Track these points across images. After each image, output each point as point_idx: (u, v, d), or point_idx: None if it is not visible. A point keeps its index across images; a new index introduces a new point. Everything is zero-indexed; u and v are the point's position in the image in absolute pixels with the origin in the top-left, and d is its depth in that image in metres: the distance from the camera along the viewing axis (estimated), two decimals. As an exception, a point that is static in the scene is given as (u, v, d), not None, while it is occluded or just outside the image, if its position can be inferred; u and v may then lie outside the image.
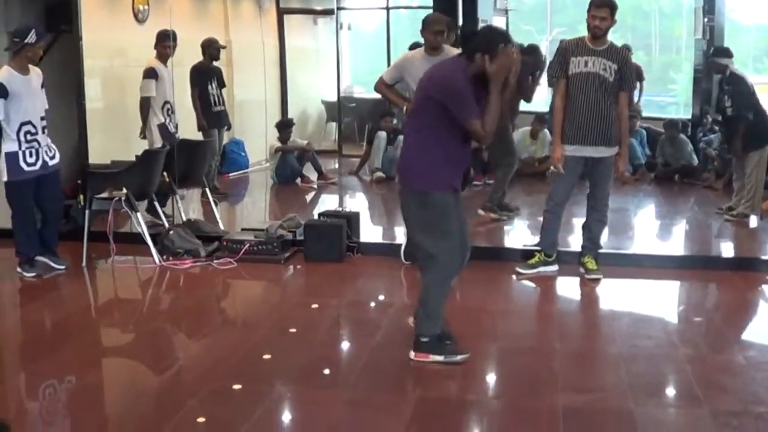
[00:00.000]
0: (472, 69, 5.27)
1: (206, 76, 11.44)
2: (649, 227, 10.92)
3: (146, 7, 11.64)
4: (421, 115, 5.46)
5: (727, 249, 9.81)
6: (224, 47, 11.49)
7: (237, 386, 5.22)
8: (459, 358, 5.60)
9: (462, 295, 7.37)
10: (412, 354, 5.61)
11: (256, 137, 14.43)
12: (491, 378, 5.67)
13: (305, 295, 7.50)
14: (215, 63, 11.63)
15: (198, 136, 11.11)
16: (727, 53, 10.23)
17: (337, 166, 14.91)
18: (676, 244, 10.15)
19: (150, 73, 9.65)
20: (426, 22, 7.57)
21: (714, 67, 10.43)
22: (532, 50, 10.89)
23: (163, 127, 9.67)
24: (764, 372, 5.67)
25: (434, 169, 5.42)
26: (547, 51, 18.60)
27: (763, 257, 8.65)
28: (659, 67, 25.12)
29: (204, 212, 10.33)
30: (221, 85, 11.71)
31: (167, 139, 9.59)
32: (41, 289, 7.62)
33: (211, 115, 11.32)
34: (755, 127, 10.00)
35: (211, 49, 11.44)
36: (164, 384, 5.52)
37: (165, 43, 9.76)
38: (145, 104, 9.71)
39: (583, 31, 7.52)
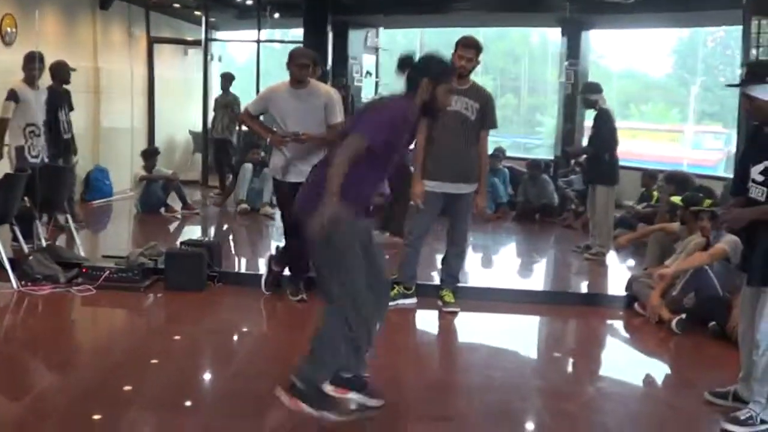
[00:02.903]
0: (420, 97, 5.03)
1: (56, 102, 10.64)
2: (510, 263, 11.17)
3: (14, 30, 11.49)
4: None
5: (582, 285, 10.07)
6: (74, 70, 11.01)
7: (97, 416, 5.14)
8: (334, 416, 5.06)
9: (315, 325, 7.42)
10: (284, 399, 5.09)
11: (121, 165, 14.31)
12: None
13: (165, 323, 7.46)
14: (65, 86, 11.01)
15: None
16: (597, 89, 10.63)
17: (201, 197, 14.86)
18: (534, 280, 10.38)
19: (9, 95, 9.41)
20: (292, 56, 7.63)
21: (584, 103, 10.78)
22: None
23: (19, 150, 9.43)
24: (613, 402, 5.90)
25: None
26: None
27: (615, 294, 8.89)
28: (527, 110, 25.66)
29: (67, 239, 10.18)
30: (70, 109, 11.12)
31: (22, 162, 9.35)
32: None
33: (62, 142, 10.73)
34: (608, 165, 10.40)
35: (61, 72, 10.81)
36: (21, 413, 5.35)
37: (31, 65, 9.54)
38: (1, 126, 9.51)
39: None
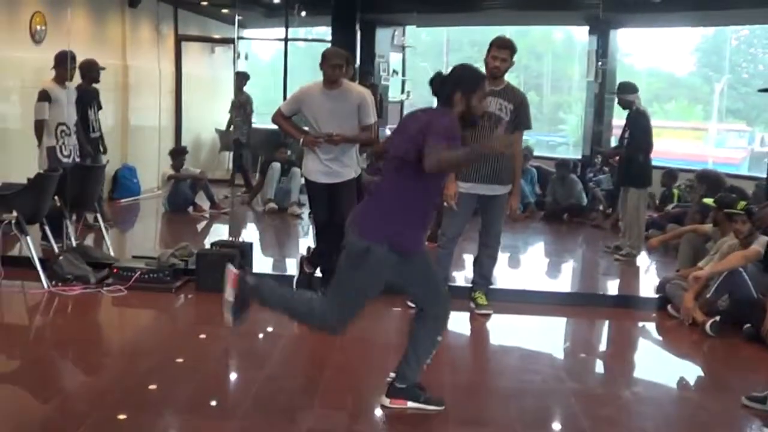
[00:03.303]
0: (456, 110, 5.10)
1: (86, 100, 10.63)
2: (539, 264, 11.12)
3: (43, 27, 11.50)
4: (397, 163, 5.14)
5: (614, 287, 9.99)
6: (104, 69, 11.01)
7: (122, 416, 5.14)
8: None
9: (354, 328, 7.38)
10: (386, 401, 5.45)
11: (148, 164, 14.33)
12: (381, 411, 5.69)
13: (197, 324, 7.42)
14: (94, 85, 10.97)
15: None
16: (633, 89, 10.53)
17: (227, 196, 14.85)
18: (565, 281, 10.34)
19: (42, 96, 9.37)
20: (325, 56, 7.59)
21: (621, 103, 10.66)
22: None
23: (51, 150, 9.41)
24: (650, 406, 5.85)
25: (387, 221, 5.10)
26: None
27: (646, 295, 8.85)
28: (550, 108, 25.60)
29: (95, 238, 10.19)
30: (99, 107, 11.12)
31: (54, 162, 9.34)
32: None
33: (90, 141, 10.67)
34: (642, 167, 10.32)
35: (91, 70, 10.79)
36: (49, 413, 5.36)
37: (63, 65, 9.51)
38: (39, 127, 9.50)
39: (478, 70, 7.64)
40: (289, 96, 8.28)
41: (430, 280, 5.42)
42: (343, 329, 5.37)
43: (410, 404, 5.41)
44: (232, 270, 5.40)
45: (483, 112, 5.33)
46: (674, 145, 21.90)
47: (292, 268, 9.02)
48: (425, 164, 4.75)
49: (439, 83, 5.19)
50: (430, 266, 5.45)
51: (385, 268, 5.10)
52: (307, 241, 10.83)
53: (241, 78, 15.08)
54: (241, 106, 14.84)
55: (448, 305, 5.52)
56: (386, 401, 5.44)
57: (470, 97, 5.09)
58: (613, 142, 14.34)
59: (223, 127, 16.59)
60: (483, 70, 7.50)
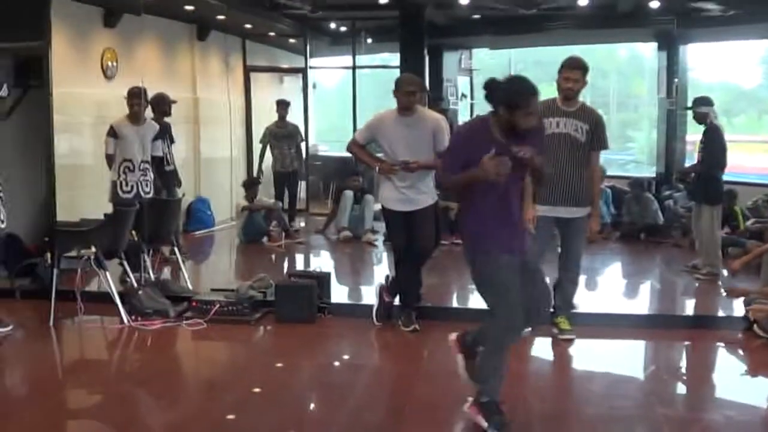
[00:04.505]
0: (501, 121, 5.21)
1: (159, 135, 10.46)
2: (617, 286, 10.95)
3: (115, 63, 11.61)
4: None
5: (697, 307, 9.79)
6: (175, 102, 11.12)
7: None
8: None
9: (433, 356, 7.37)
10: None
11: (221, 195, 14.41)
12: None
13: (277, 356, 7.33)
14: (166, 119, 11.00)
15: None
16: (708, 102, 10.35)
17: (303, 224, 14.85)
18: (643, 303, 10.15)
19: (109, 131, 9.58)
20: (398, 83, 7.59)
21: (696, 117, 10.50)
22: None
23: (113, 185, 9.59)
24: (743, 431, 5.68)
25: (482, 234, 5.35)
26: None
27: (730, 314, 8.68)
28: (617, 126, 25.36)
29: (172, 271, 10.24)
30: (172, 141, 11.15)
31: (115, 197, 9.52)
32: (6, 348, 7.48)
33: (165, 175, 10.72)
34: (714, 183, 10.17)
35: (162, 105, 10.88)
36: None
37: (133, 100, 9.64)
38: (108, 162, 9.67)
39: (543, 90, 7.53)
40: (363, 124, 8.25)
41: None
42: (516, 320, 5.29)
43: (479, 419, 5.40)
44: (451, 338, 5.66)
45: (528, 128, 5.21)
46: (744, 159, 21.60)
47: (368, 296, 8.96)
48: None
49: (489, 91, 5.26)
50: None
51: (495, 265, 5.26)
52: (382, 269, 10.80)
53: (286, 107, 14.59)
54: (290, 136, 14.39)
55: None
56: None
57: (513, 113, 5.11)
58: (688, 158, 14.17)
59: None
60: (556, 91, 7.50)
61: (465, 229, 5.43)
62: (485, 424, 5.29)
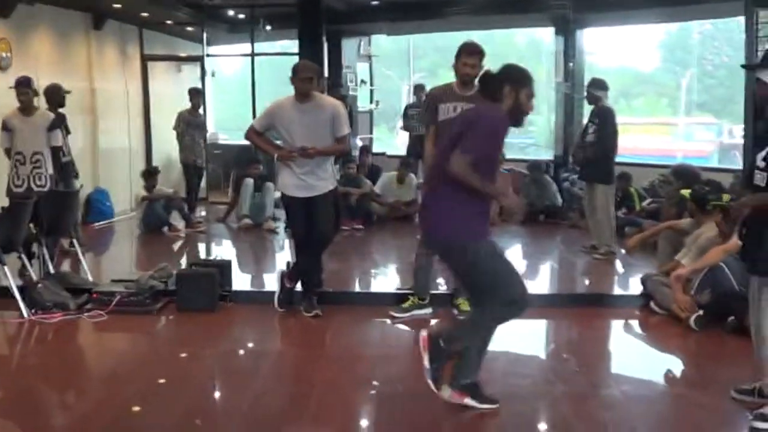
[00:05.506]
0: (506, 105, 5.26)
1: (55, 125, 10.05)
2: (518, 267, 11.04)
3: (9, 54, 11.41)
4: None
5: (593, 286, 9.97)
6: (69, 92, 10.77)
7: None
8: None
9: (338, 341, 7.41)
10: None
11: (120, 186, 14.27)
12: (370, 424, 5.66)
13: (180, 345, 7.26)
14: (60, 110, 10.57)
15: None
16: (603, 86, 10.57)
17: (204, 213, 14.77)
18: (543, 283, 10.30)
19: (1, 125, 9.48)
20: (295, 70, 7.59)
21: (588, 98, 10.69)
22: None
23: (8, 179, 9.48)
24: (640, 404, 5.87)
25: (471, 220, 5.39)
26: (408, 94, 18.91)
27: (627, 293, 8.88)
28: (517, 110, 25.64)
29: (72, 263, 10.11)
30: (67, 132, 10.61)
31: (8, 191, 9.42)
32: None
33: (62, 166, 10.15)
34: (606, 163, 10.37)
35: (56, 95, 10.56)
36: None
37: (20, 89, 9.44)
38: (6, 155, 9.57)
39: (443, 76, 7.62)
40: (261, 112, 8.24)
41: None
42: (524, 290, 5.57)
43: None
44: (422, 335, 5.52)
45: (529, 111, 5.36)
46: (643, 141, 22.00)
47: (270, 283, 8.96)
48: (448, 164, 5.07)
49: (489, 78, 5.33)
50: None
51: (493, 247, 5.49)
52: (284, 256, 10.81)
53: (200, 96, 14.39)
54: (202, 126, 14.34)
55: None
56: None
57: (519, 91, 5.21)
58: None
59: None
60: (453, 76, 7.57)
61: (455, 216, 5.35)
62: (476, 402, 5.51)
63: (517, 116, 5.29)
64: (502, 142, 5.39)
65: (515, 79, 5.24)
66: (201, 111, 14.55)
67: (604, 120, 10.39)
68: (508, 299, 5.40)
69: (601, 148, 10.38)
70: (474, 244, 5.35)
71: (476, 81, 7.43)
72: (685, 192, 9.18)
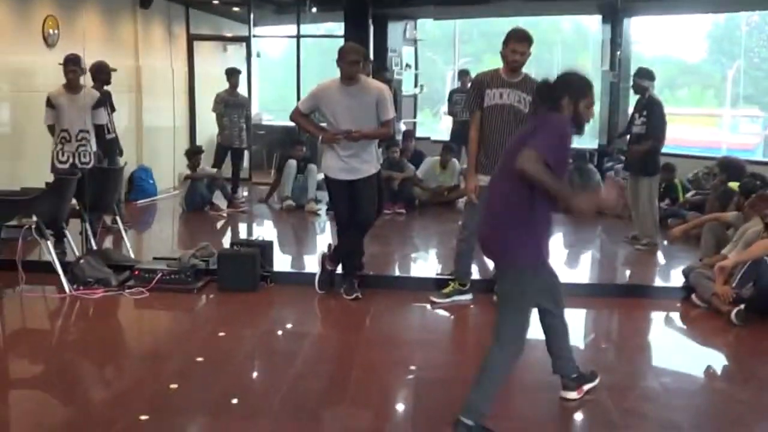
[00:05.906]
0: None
1: (100, 103, 10.15)
2: (559, 256, 11.02)
3: (56, 31, 11.48)
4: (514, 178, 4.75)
5: (634, 277, 9.87)
6: (115, 70, 10.91)
7: (145, 417, 5.14)
8: None
9: (377, 325, 7.41)
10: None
11: (164, 164, 14.33)
12: (407, 408, 5.64)
13: (220, 325, 7.29)
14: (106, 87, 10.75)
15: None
16: (650, 76, 10.43)
17: (246, 194, 14.80)
18: (584, 273, 10.25)
19: (47, 102, 9.48)
20: (341, 53, 7.57)
21: (635, 88, 10.57)
22: None
23: (53, 155, 9.51)
24: (679, 397, 5.81)
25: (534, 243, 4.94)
26: (453, 80, 18.84)
27: (672, 285, 8.80)
28: (561, 98, 25.51)
29: (114, 240, 10.18)
30: (112, 110, 10.91)
31: (52, 167, 9.44)
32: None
33: (107, 143, 10.39)
34: (652, 155, 10.26)
35: (101, 73, 10.70)
36: (72, 417, 5.34)
37: (68, 67, 9.46)
38: (50, 132, 9.58)
39: (488, 61, 7.57)
40: (306, 93, 8.23)
41: None
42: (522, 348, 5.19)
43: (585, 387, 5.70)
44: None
45: (589, 120, 5.10)
46: (687, 132, 21.80)
47: (311, 265, 8.98)
48: (518, 160, 4.58)
49: (546, 89, 5.06)
50: None
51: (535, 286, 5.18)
52: (325, 238, 10.82)
53: (237, 75, 14.19)
54: (240, 105, 14.05)
55: None
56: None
57: (578, 103, 4.96)
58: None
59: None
60: (498, 62, 7.52)
61: (523, 233, 4.88)
62: None
63: (577, 125, 5.03)
64: (570, 146, 4.99)
65: (574, 90, 4.97)
66: (243, 91, 14.53)
67: (652, 112, 10.28)
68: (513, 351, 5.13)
69: (650, 141, 10.25)
70: (532, 271, 5.00)
71: (533, 85, 7.43)
72: (734, 185, 9.09)
